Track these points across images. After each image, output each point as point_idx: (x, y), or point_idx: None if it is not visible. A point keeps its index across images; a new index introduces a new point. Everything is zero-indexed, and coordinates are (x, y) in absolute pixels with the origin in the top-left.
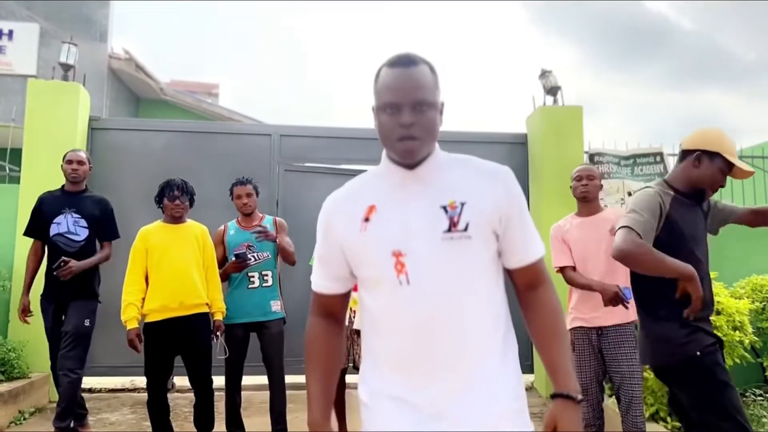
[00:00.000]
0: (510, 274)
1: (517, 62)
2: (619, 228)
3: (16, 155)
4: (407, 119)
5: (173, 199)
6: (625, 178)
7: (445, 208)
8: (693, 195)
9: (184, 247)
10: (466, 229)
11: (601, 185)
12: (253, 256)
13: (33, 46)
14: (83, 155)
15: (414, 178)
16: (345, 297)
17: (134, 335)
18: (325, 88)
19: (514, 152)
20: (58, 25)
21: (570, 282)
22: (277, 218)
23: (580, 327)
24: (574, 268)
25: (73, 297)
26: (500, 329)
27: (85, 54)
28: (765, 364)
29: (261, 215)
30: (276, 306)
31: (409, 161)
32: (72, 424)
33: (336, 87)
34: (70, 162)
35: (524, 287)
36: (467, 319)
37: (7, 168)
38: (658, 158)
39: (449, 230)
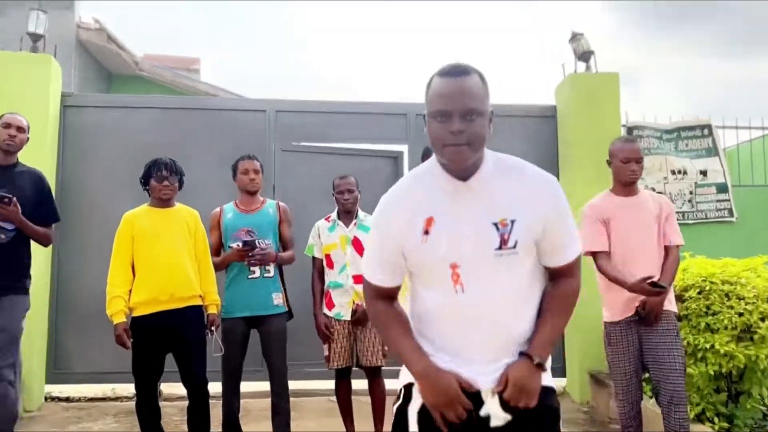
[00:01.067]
0: (547, 268)
1: (546, 27)
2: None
3: None
4: (457, 127)
5: (161, 179)
6: (668, 154)
7: (496, 225)
8: None
9: (174, 233)
10: (515, 246)
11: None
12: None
13: None
14: (24, 122)
15: (467, 189)
16: (399, 286)
17: (122, 330)
18: (316, 66)
19: (542, 126)
20: None
21: (601, 270)
22: (281, 203)
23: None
24: (608, 254)
25: (3, 291)
26: (533, 315)
27: (49, 24)
28: None
29: (262, 199)
30: (278, 299)
31: (457, 167)
32: None
33: (327, 64)
34: (7, 126)
35: (553, 277)
36: (512, 319)
37: None
38: (705, 131)
39: (500, 248)
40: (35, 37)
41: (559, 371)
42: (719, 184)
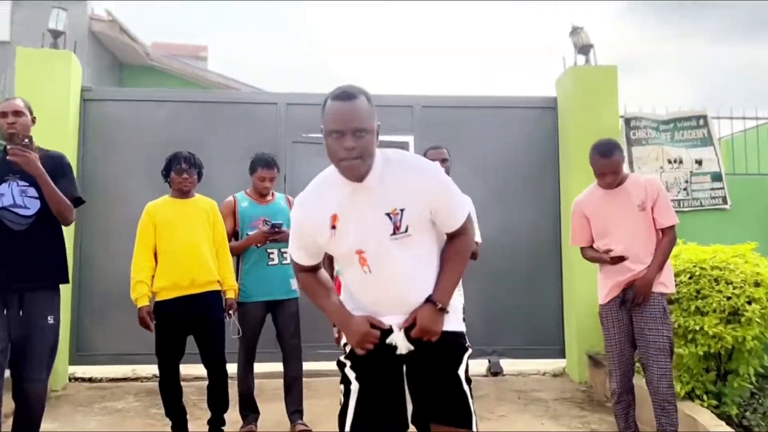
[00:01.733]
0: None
1: (549, 17)
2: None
3: None
4: (349, 144)
5: (181, 172)
6: (665, 144)
7: (389, 215)
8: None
9: (194, 222)
10: (406, 230)
11: (623, 158)
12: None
13: (5, 10)
14: (21, 104)
15: (362, 189)
16: (319, 263)
17: (145, 313)
18: (324, 55)
19: (543, 118)
20: None
21: (585, 258)
22: (289, 196)
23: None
24: (591, 247)
25: (25, 285)
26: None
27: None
28: None
29: (272, 192)
30: (295, 285)
31: (351, 178)
32: None
33: (334, 51)
34: (3, 114)
35: (449, 237)
36: (413, 287)
37: None
38: (701, 122)
39: (394, 233)
40: (56, 34)
41: (559, 353)
42: (714, 173)
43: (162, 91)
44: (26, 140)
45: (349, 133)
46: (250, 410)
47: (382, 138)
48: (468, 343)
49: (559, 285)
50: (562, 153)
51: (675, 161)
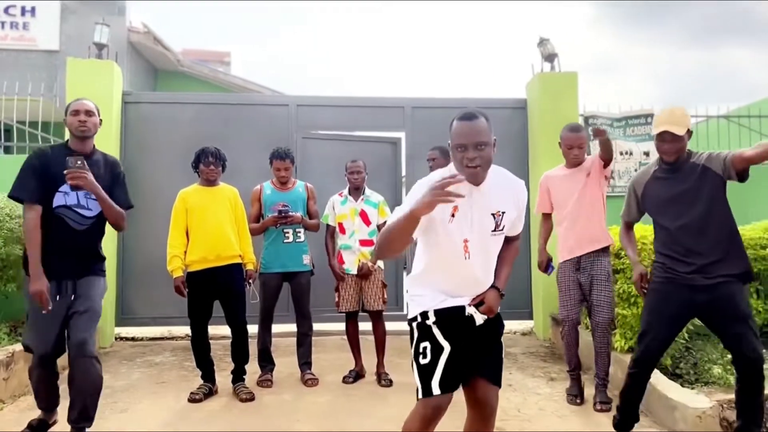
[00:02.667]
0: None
1: (529, 21)
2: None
3: (46, 127)
4: (471, 155)
5: (208, 164)
6: (618, 138)
7: (493, 215)
8: (666, 166)
9: (219, 206)
10: (503, 229)
11: (590, 139)
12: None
13: (55, 23)
14: (91, 105)
15: (478, 192)
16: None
17: (180, 282)
18: (335, 57)
19: (515, 116)
20: (77, 1)
21: (542, 225)
22: (308, 184)
23: (565, 261)
24: (549, 215)
25: (82, 274)
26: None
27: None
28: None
29: (294, 180)
30: (306, 259)
31: (475, 183)
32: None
33: (345, 53)
34: (76, 113)
35: (507, 241)
36: (489, 273)
37: (51, 140)
38: (648, 119)
39: (495, 230)
40: (100, 46)
41: (528, 315)
42: None
43: (190, 94)
44: (79, 161)
45: (471, 147)
46: (267, 362)
47: (377, 134)
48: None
49: (527, 259)
50: (531, 146)
51: (626, 153)
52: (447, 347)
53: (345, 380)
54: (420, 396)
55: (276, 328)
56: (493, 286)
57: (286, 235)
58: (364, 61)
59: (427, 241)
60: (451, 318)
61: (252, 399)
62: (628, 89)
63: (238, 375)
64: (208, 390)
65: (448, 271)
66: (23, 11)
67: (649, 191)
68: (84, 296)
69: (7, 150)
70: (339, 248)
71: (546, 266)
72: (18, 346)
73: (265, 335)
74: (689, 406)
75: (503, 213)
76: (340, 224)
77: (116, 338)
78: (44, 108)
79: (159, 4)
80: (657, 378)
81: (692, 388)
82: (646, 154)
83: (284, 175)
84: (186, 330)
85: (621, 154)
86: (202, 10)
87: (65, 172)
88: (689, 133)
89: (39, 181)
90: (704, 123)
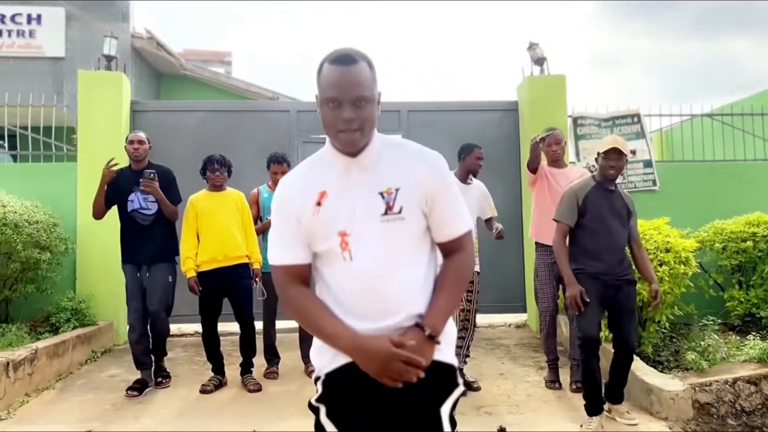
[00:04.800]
0: (438, 244)
1: (523, 20)
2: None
3: (59, 133)
4: (348, 114)
5: (214, 171)
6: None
7: (382, 194)
8: (606, 181)
9: (226, 210)
10: (400, 211)
11: (566, 142)
12: None
13: (60, 29)
14: (143, 135)
15: (356, 165)
16: (309, 268)
17: (193, 282)
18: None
19: (506, 119)
20: (81, 8)
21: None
22: None
23: (540, 244)
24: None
25: (154, 260)
26: (428, 290)
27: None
28: (726, 296)
29: None
30: None
31: (350, 150)
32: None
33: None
34: (131, 142)
35: (446, 253)
36: (399, 286)
37: (64, 148)
38: (635, 119)
39: (386, 213)
40: (108, 58)
41: (522, 308)
42: (645, 161)
43: (195, 102)
44: (152, 174)
45: (347, 103)
46: (273, 356)
47: None
48: (460, 381)
49: (521, 256)
50: (523, 147)
51: None
52: None
53: None
54: None
55: (281, 324)
56: (416, 325)
57: None
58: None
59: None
60: (350, 382)
61: (259, 390)
62: (627, 83)
63: (246, 368)
64: (219, 382)
65: (330, 282)
66: (29, 19)
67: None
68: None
69: (14, 157)
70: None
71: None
72: (40, 344)
73: (270, 331)
74: (663, 389)
75: (397, 190)
76: None
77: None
78: (50, 115)
79: (161, 4)
80: (636, 364)
81: (665, 372)
82: (633, 152)
83: (281, 179)
84: (195, 327)
85: None
86: (203, 10)
87: (141, 180)
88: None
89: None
90: (688, 121)
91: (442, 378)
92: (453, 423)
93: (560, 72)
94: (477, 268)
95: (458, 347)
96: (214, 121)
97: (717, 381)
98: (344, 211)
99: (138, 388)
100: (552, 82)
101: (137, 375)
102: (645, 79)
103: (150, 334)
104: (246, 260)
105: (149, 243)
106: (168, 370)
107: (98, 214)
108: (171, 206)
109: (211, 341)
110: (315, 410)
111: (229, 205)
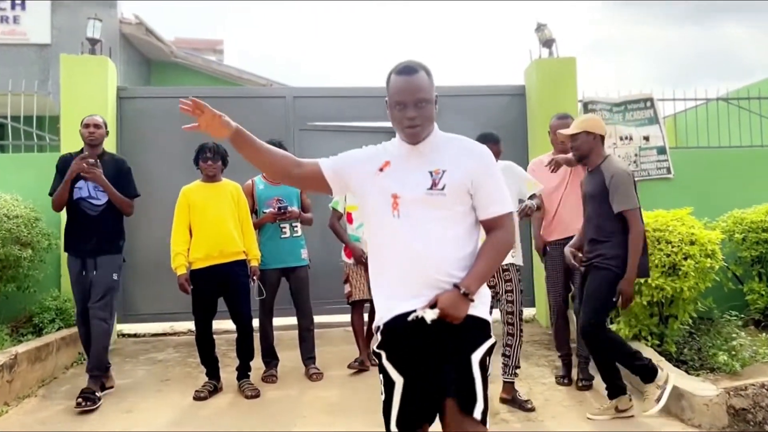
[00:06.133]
0: (481, 222)
1: (527, 5)
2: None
3: (44, 122)
4: (411, 114)
5: (206, 160)
6: (617, 123)
7: (431, 172)
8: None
9: (221, 203)
10: (443, 188)
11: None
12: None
13: (46, 16)
14: (99, 119)
15: (416, 151)
16: (320, 181)
17: (183, 280)
18: (330, 44)
19: (513, 103)
20: None
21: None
22: None
23: (552, 245)
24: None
25: (98, 252)
26: (462, 256)
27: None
28: (745, 290)
29: None
30: (304, 254)
31: (413, 143)
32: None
33: (340, 39)
34: (87, 126)
35: (487, 230)
36: (436, 249)
37: (47, 137)
38: (648, 104)
39: (431, 188)
40: (93, 42)
41: (530, 302)
42: (659, 147)
43: (186, 88)
44: (93, 161)
45: (411, 104)
46: (271, 357)
47: (375, 124)
48: (492, 334)
49: (529, 247)
50: (531, 132)
51: (626, 138)
52: (399, 381)
53: (350, 366)
54: None
55: (278, 321)
56: (454, 285)
57: (283, 230)
58: (360, 48)
59: (362, 207)
60: (402, 332)
61: (257, 396)
62: (626, 71)
63: (243, 372)
64: (213, 387)
65: (380, 239)
66: (13, 4)
67: None
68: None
69: (0, 148)
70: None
71: (544, 251)
72: (21, 347)
73: (267, 330)
74: (695, 394)
75: (443, 171)
76: (349, 214)
77: (119, 335)
78: (38, 103)
79: None
80: (663, 366)
81: (698, 375)
82: (646, 138)
83: None
84: (189, 326)
85: (621, 139)
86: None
87: (83, 165)
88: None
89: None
90: (704, 106)
91: (475, 330)
92: (484, 368)
93: (569, 54)
94: (518, 261)
95: (506, 357)
96: None
97: (753, 384)
98: (399, 180)
99: (89, 398)
100: (561, 65)
101: (128, 379)
102: (642, 66)
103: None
104: (243, 257)
105: (95, 235)
106: (98, 394)
107: (59, 207)
108: (122, 198)
109: (205, 344)
110: (377, 356)
111: (225, 197)
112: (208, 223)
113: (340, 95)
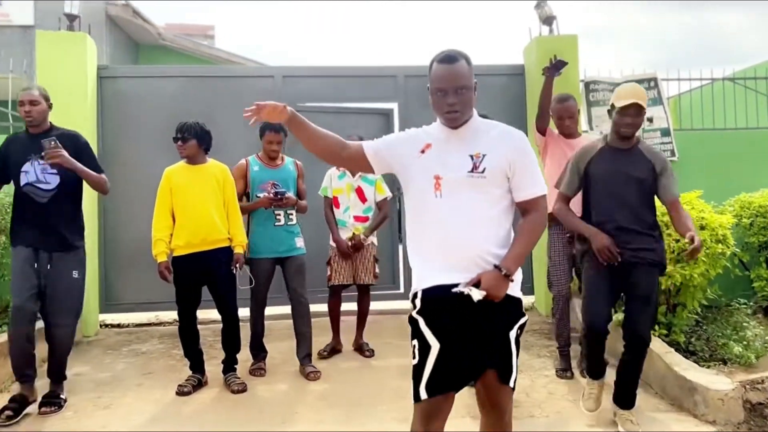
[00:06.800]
0: (517, 204)
1: None
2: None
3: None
4: (452, 100)
5: (175, 140)
6: None
7: (472, 156)
8: (619, 141)
9: (204, 186)
10: (483, 172)
11: (579, 110)
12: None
13: None
14: (36, 93)
15: (456, 135)
16: (363, 161)
17: (164, 267)
18: (326, 29)
19: (512, 84)
20: None
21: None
22: (298, 162)
23: (556, 230)
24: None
25: (52, 246)
26: (500, 237)
27: (81, 3)
28: (752, 276)
29: (282, 156)
30: (300, 242)
31: (453, 127)
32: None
33: (333, 19)
34: (21, 104)
35: (523, 212)
36: (475, 229)
37: (9, 117)
38: (652, 83)
39: (472, 171)
40: (71, 18)
41: (529, 290)
42: (663, 129)
43: (170, 67)
44: (53, 142)
45: (451, 91)
46: (259, 350)
47: (367, 105)
48: (525, 312)
49: None
50: (530, 115)
51: None
52: (435, 345)
53: (320, 354)
54: (413, 401)
55: (269, 310)
56: (495, 266)
57: (278, 217)
58: (352, 27)
59: (404, 186)
60: (442, 302)
61: (244, 390)
62: (619, 58)
63: (229, 365)
64: (197, 381)
65: (422, 216)
66: None
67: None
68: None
69: None
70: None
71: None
72: (3, 336)
73: (257, 322)
74: (710, 388)
75: (483, 155)
76: (335, 198)
77: (101, 325)
78: (16, 85)
79: None
80: (672, 358)
81: (708, 367)
82: (650, 120)
83: (276, 149)
84: (174, 315)
85: None
86: None
87: (43, 153)
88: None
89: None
90: (708, 86)
91: (512, 308)
92: (518, 343)
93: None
94: None
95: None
96: (192, 88)
97: None
98: (441, 161)
99: (14, 408)
100: (562, 43)
101: (105, 373)
102: (637, 54)
103: (34, 341)
104: (227, 243)
105: (47, 226)
106: (62, 396)
107: None
108: (96, 176)
109: (188, 335)
110: (414, 321)
111: (208, 180)
112: (189, 208)
113: (330, 75)
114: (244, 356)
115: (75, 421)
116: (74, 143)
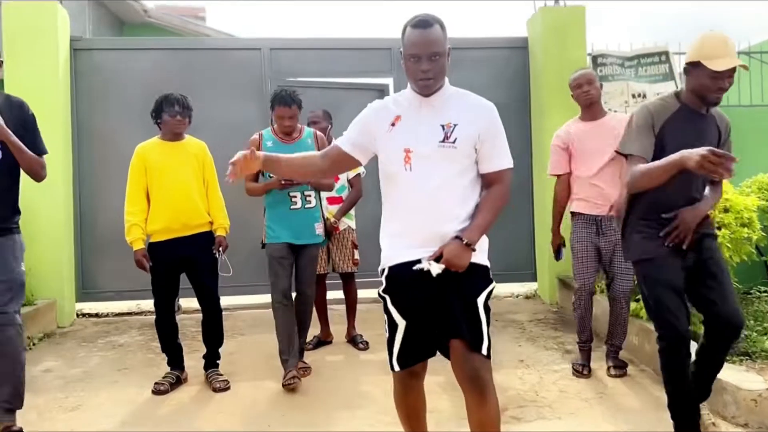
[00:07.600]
0: (482, 176)
1: None
2: (627, 156)
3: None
4: (425, 66)
5: (174, 114)
6: (629, 79)
7: (443, 126)
8: (700, 105)
9: (183, 165)
10: (454, 142)
11: (601, 85)
12: None
13: None
14: None
15: (428, 104)
16: (347, 158)
17: (141, 255)
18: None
19: (514, 57)
20: None
21: (558, 194)
22: (318, 133)
23: (579, 213)
24: (569, 175)
25: None
26: (468, 207)
27: None
28: None
29: (300, 127)
30: (319, 229)
31: (426, 93)
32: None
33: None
34: None
35: (488, 184)
36: (446, 199)
37: None
38: (663, 57)
39: (443, 141)
40: None
41: (531, 276)
42: None
43: (149, 39)
44: None
45: (425, 57)
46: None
47: (361, 80)
48: (492, 278)
49: (530, 216)
50: (534, 89)
51: (639, 95)
52: (401, 323)
53: (305, 347)
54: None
55: (247, 299)
56: (456, 237)
57: (294, 199)
58: (350, 10)
59: (379, 163)
60: (406, 279)
61: (227, 388)
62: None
63: (212, 360)
64: (176, 379)
65: (391, 191)
66: None
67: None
68: None
69: None
70: None
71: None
72: None
73: (287, 321)
74: (741, 388)
75: (455, 125)
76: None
77: (78, 314)
78: None
79: None
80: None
81: (734, 363)
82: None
83: (289, 124)
84: None
85: (633, 96)
86: None
87: None
88: None
89: None
90: None
91: (477, 276)
92: (487, 310)
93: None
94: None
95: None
96: (173, 61)
97: None
98: (411, 133)
99: None
100: (569, 14)
101: (77, 369)
102: (629, 33)
103: None
104: (209, 228)
105: None
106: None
107: None
108: (33, 156)
109: (166, 328)
110: (383, 299)
111: (188, 158)
112: (167, 189)
113: (321, 47)
114: (227, 349)
115: (39, 422)
116: (21, 114)
